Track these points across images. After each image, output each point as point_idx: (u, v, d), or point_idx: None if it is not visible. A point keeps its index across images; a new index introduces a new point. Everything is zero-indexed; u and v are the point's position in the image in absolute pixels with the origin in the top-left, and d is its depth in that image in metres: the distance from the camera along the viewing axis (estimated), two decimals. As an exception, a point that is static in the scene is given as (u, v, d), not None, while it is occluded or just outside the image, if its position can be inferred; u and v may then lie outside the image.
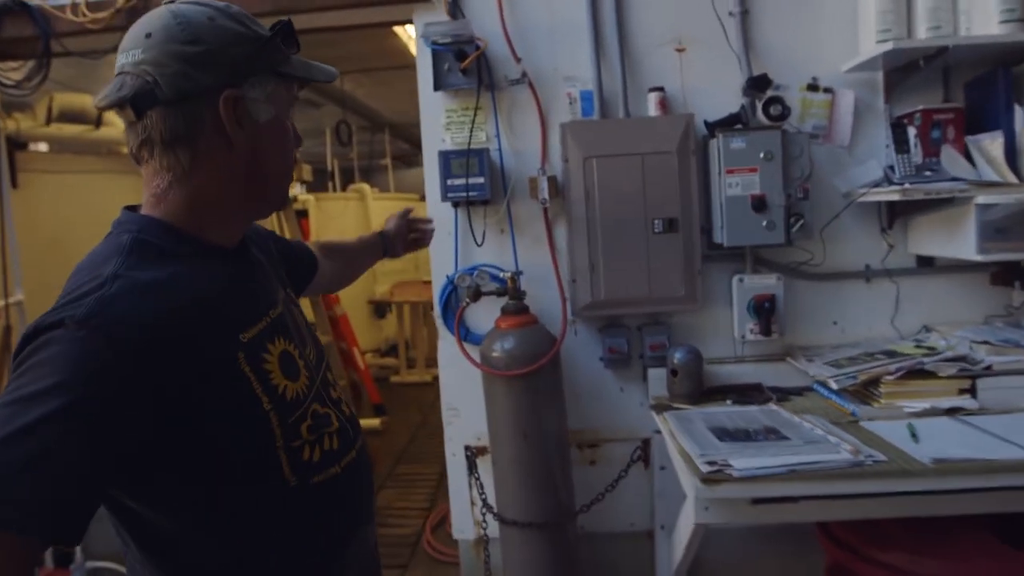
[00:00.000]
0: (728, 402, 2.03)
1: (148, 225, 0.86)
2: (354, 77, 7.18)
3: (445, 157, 2.12)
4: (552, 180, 2.11)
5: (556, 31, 2.18)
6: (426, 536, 3.58)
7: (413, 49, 6.03)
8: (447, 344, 2.29)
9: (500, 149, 2.20)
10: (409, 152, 13.03)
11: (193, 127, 0.84)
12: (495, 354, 2.02)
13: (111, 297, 0.75)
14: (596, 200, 2.09)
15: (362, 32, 5.65)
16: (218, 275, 0.87)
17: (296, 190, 6.64)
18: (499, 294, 2.09)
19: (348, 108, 8.05)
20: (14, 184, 3.12)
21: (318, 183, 10.33)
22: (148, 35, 0.83)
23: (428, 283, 7.31)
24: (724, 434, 1.72)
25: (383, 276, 8.16)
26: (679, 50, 2.18)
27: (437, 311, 2.28)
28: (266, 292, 0.96)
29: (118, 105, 0.84)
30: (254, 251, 1.00)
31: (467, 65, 2.09)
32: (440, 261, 2.27)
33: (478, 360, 2.09)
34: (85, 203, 3.39)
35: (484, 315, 2.21)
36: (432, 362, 7.32)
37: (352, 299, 7.14)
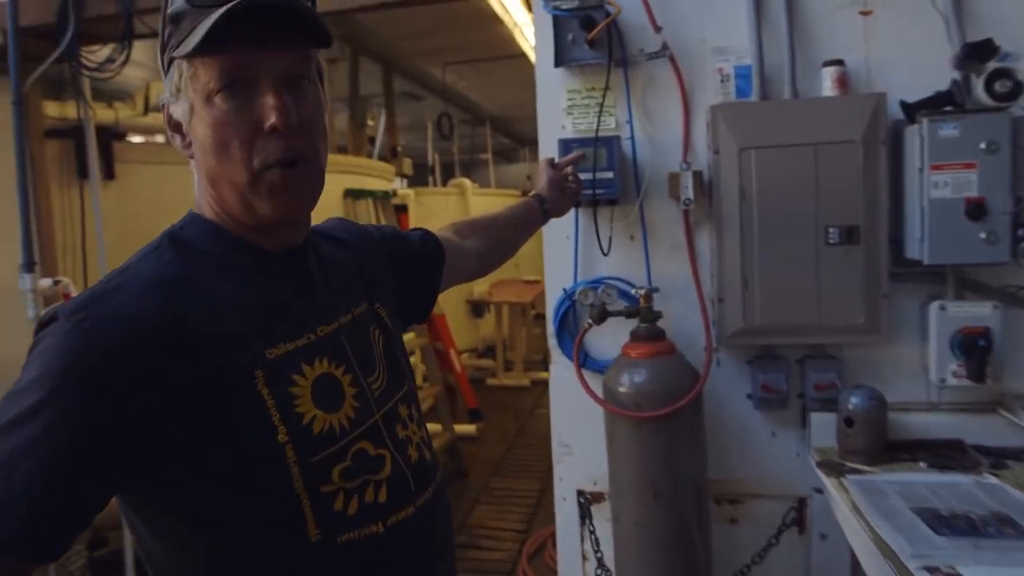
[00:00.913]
0: (921, 464, 1.57)
1: (191, 220, 0.81)
2: (456, 68, 6.97)
3: (566, 147, 1.76)
4: (697, 176, 1.71)
5: (705, -9, 1.77)
6: (522, 565, 3.28)
7: (518, 38, 5.76)
8: (560, 369, 1.94)
9: (633, 138, 1.82)
10: (510, 147, 12.83)
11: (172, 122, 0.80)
12: (622, 389, 1.65)
13: (107, 291, 0.70)
14: (753, 201, 1.67)
15: (465, 20, 5.43)
16: (254, 280, 0.78)
17: (396, 184, 6.47)
18: (628, 315, 1.71)
19: (450, 101, 7.85)
20: (112, 175, 3.02)
21: (419, 178, 10.27)
22: None
23: (529, 282, 7.03)
24: (938, 521, 1.27)
25: (482, 274, 7.92)
26: (864, 13, 1.72)
27: (551, 329, 1.92)
28: (321, 306, 0.83)
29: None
30: (320, 257, 0.88)
31: (595, 35, 1.72)
32: (556, 270, 1.91)
33: (600, 394, 1.72)
34: (181, 195, 3.26)
35: (608, 336, 1.84)
36: (531, 365, 7.12)
37: (449, 298, 6.93)
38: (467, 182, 7.98)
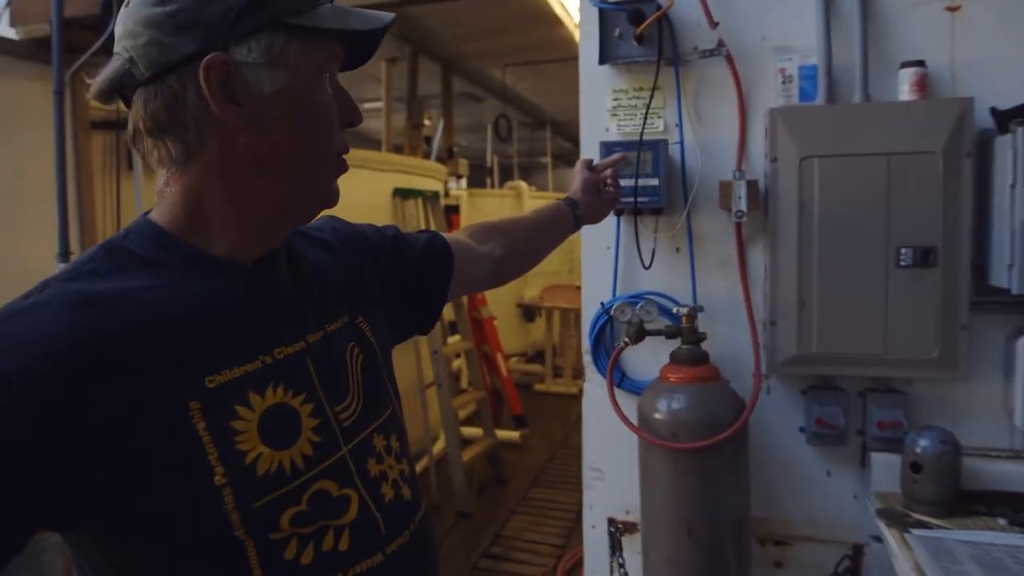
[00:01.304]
0: (1001, 521, 1.38)
1: (138, 227, 0.70)
2: (516, 70, 6.88)
3: (608, 150, 1.63)
4: (752, 186, 1.56)
5: (768, -15, 1.62)
6: (557, 583, 3.15)
7: (578, 37, 5.63)
8: (594, 387, 1.80)
9: (682, 142, 1.67)
10: (570, 150, 12.67)
11: (176, 109, 0.66)
12: (658, 416, 1.51)
13: (16, 311, 0.60)
14: (815, 215, 1.51)
15: (525, 21, 5.32)
16: (205, 294, 0.68)
17: (452, 185, 6.43)
18: (669, 335, 1.56)
19: (509, 102, 7.78)
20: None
21: (477, 179, 10.24)
22: (127, 2, 0.67)
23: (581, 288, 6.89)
24: (1019, 595, 1.10)
25: (534, 278, 7.82)
26: (951, 9, 1.54)
27: (586, 344, 1.79)
28: (284, 323, 0.73)
29: (105, 94, 0.69)
30: (294, 263, 0.79)
31: (644, 30, 1.58)
32: (594, 282, 1.78)
33: (635, 420, 1.59)
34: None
35: (647, 355, 1.70)
36: (580, 372, 6.97)
37: (500, 301, 6.84)
38: (523, 184, 7.89)
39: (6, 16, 2.28)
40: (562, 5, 4.95)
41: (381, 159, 4.06)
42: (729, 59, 1.61)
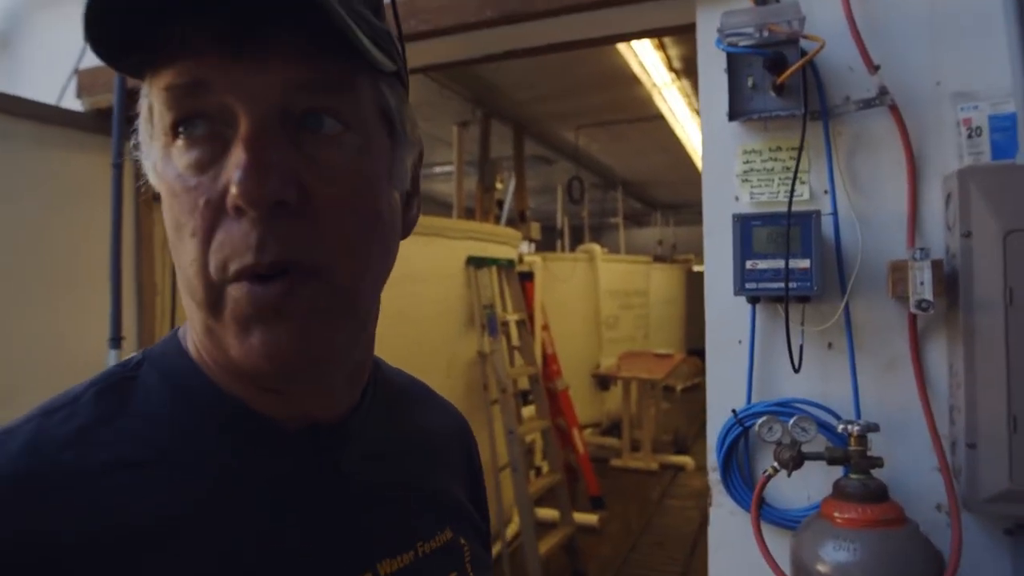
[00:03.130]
0: None
1: (163, 348, 0.49)
2: (589, 131, 6.71)
3: (744, 225, 1.32)
4: (936, 266, 1.22)
5: (941, 22, 1.30)
6: None
7: (656, 99, 5.39)
8: (723, 515, 1.45)
9: (835, 213, 1.35)
10: (641, 211, 12.41)
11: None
12: (824, 570, 1.14)
13: None
14: (1027, 307, 1.15)
15: (601, 81, 5.14)
16: (227, 477, 0.44)
17: (524, 249, 6.21)
18: (832, 460, 1.21)
19: (581, 164, 7.60)
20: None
21: (547, 241, 10.05)
22: None
23: (660, 356, 6.50)
24: None
25: (610, 345, 7.47)
26: None
27: (712, 460, 1.45)
28: (349, 540, 0.48)
29: None
30: (387, 439, 0.55)
31: (786, 78, 1.29)
32: (722, 383, 1.45)
33: (787, 568, 1.23)
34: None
35: (791, 477, 1.34)
36: (660, 446, 6.50)
37: (572, 368, 6.50)
38: (596, 248, 7.63)
39: (72, 87, 2.17)
40: (640, 64, 4.74)
41: (453, 226, 3.85)
42: (894, 109, 1.30)
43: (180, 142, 0.42)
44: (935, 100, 1.31)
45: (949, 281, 1.25)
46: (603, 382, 7.21)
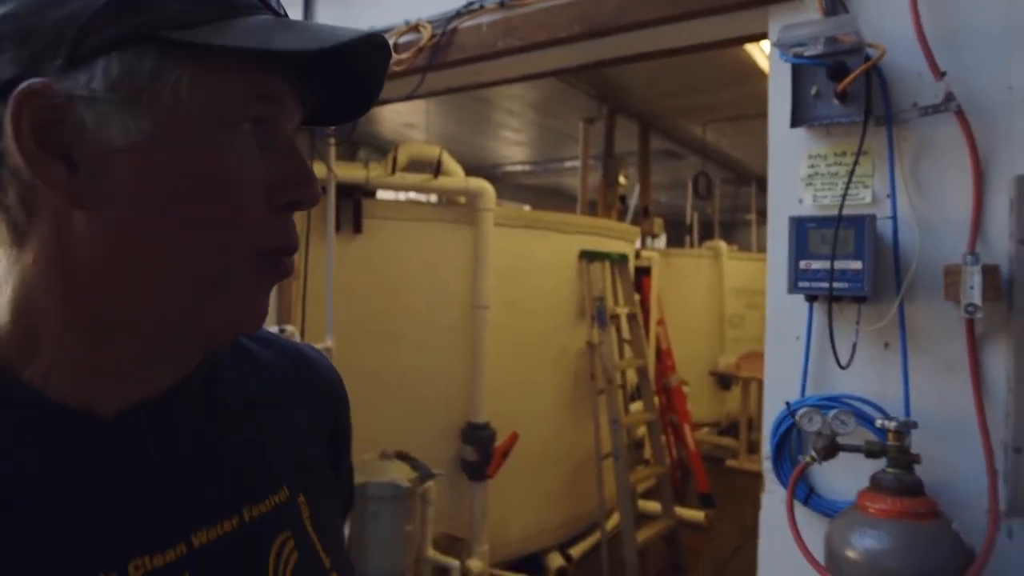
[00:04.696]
0: None
1: None
2: (718, 126, 6.61)
3: (800, 226, 1.39)
4: (991, 272, 1.23)
5: (1018, 28, 1.30)
6: None
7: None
8: (774, 502, 1.53)
9: (895, 217, 1.38)
10: (779, 207, 11.88)
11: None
12: (852, 556, 1.21)
13: None
14: (1082, 315, 1.15)
15: (727, 76, 5.09)
16: (24, 471, 0.44)
17: (647, 243, 6.24)
18: (870, 453, 1.27)
19: (709, 159, 7.48)
20: (359, 229, 3.23)
21: (676, 237, 9.94)
22: None
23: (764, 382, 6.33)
24: None
25: (733, 344, 7.33)
26: None
27: (766, 450, 1.53)
28: (155, 514, 0.47)
29: None
30: (216, 404, 0.54)
31: (848, 85, 1.34)
32: (779, 377, 1.52)
33: (819, 555, 1.30)
34: (418, 249, 3.39)
35: (844, 467, 1.39)
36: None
37: (692, 367, 6.47)
38: (722, 245, 7.49)
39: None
40: (767, 58, 4.65)
41: (566, 221, 4.01)
42: (960, 115, 1.31)
43: (246, 136, 0.47)
44: (1005, 105, 1.31)
45: (1007, 287, 1.26)
46: (724, 381, 7.10)
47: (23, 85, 0.41)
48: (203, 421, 0.53)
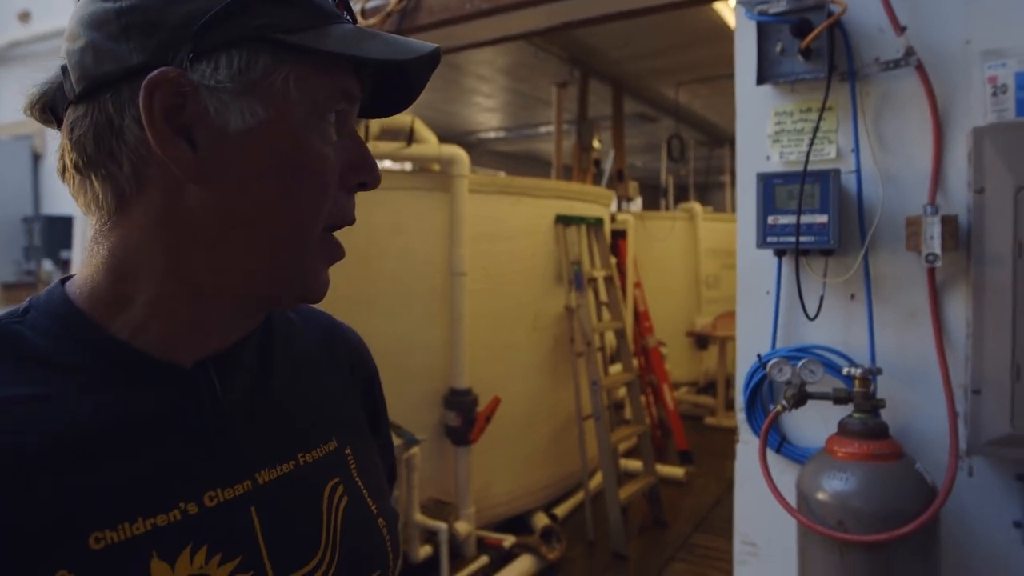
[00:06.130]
0: None
1: (46, 299, 0.53)
2: (691, 88, 6.61)
3: (767, 183, 1.42)
4: (949, 222, 1.28)
5: (976, -21, 1.33)
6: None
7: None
8: (748, 450, 1.58)
9: (859, 171, 1.42)
10: (753, 168, 11.96)
11: (108, 139, 0.48)
12: (821, 497, 1.27)
13: None
14: (1035, 260, 1.20)
15: (699, 37, 5.08)
16: (114, 411, 0.49)
17: (623, 206, 6.27)
18: (838, 400, 1.32)
19: (683, 121, 7.49)
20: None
21: (652, 200, 9.97)
22: None
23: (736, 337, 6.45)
24: None
25: (709, 305, 7.43)
26: None
27: (739, 401, 1.58)
28: (224, 453, 0.53)
29: (39, 111, 0.53)
30: (269, 364, 0.60)
31: (811, 41, 1.36)
32: (750, 330, 1.57)
33: (792, 500, 1.35)
34: (394, 219, 3.38)
35: (814, 416, 1.46)
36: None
37: (669, 328, 6.55)
38: (697, 206, 7.54)
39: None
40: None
41: (541, 186, 4.01)
42: (920, 70, 1.35)
43: (331, 126, 0.53)
44: (963, 59, 1.34)
45: (964, 237, 1.30)
46: (701, 341, 7.21)
47: (157, 72, 0.47)
48: (262, 374, 0.59)
